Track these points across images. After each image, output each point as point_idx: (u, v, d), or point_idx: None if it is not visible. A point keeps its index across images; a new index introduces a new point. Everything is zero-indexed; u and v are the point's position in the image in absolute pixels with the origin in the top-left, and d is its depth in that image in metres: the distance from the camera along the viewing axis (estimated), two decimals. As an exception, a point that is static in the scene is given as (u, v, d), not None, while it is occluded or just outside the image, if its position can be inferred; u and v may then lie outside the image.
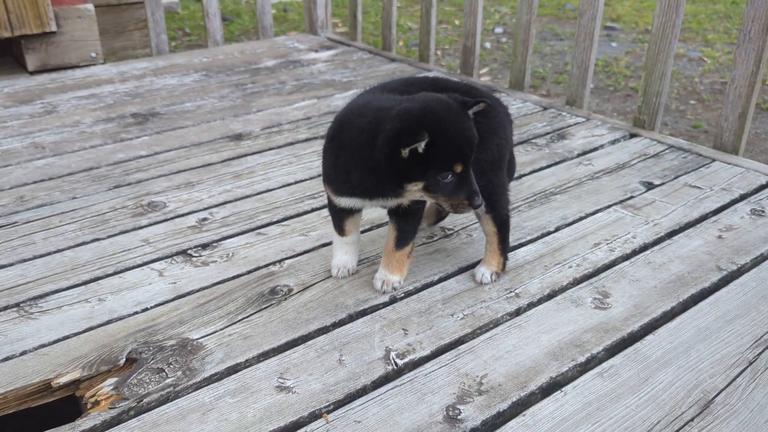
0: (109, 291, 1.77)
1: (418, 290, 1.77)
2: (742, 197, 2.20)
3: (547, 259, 1.89)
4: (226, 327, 1.63)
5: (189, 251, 1.94)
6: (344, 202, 1.65)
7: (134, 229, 2.06)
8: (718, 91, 4.97)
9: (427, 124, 1.41)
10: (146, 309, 1.70)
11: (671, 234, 2.01)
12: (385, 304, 1.72)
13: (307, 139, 2.68)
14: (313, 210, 2.16)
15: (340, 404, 1.41)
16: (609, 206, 2.16)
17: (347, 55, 3.73)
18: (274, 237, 2.01)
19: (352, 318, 1.67)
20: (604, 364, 1.51)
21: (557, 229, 2.04)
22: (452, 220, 2.08)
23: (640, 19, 6.84)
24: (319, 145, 2.37)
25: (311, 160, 2.48)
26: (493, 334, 1.61)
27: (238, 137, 2.69)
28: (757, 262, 1.87)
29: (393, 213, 1.67)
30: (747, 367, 1.49)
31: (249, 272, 1.85)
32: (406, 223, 1.68)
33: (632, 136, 2.68)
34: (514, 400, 1.42)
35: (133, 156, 2.53)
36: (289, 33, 6.44)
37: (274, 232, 2.04)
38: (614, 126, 2.76)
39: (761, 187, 2.26)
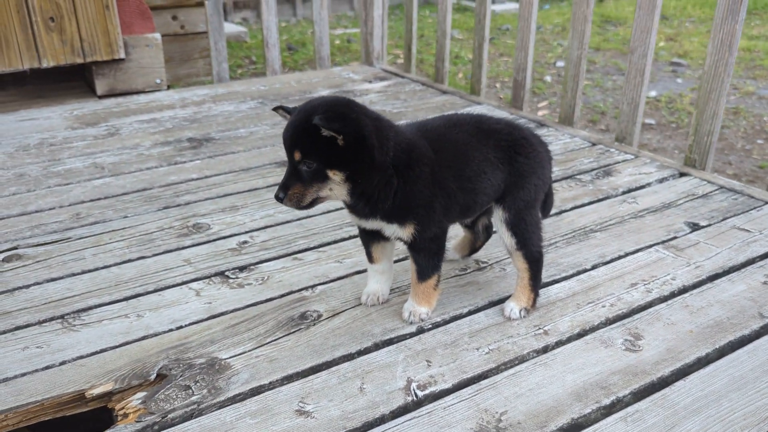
0: (147, 308, 1.84)
1: (446, 322, 1.77)
2: (794, 243, 2.12)
3: (580, 297, 1.86)
4: (255, 349, 1.67)
5: (227, 273, 2.00)
6: (353, 219, 1.71)
7: (177, 249, 2.14)
8: (789, 130, 4.80)
9: None
10: (180, 327, 1.76)
11: (713, 277, 1.95)
12: (411, 335, 1.73)
13: (352, 168, 2.73)
14: (350, 237, 2.20)
15: (356, 432, 1.43)
16: (650, 246, 2.11)
17: (400, 87, 3.79)
18: (310, 262, 2.05)
19: (377, 347, 1.68)
20: (629, 408, 1.47)
21: (594, 267, 2.01)
22: (486, 253, 2.07)
23: (705, 56, 6.67)
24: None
25: (354, 188, 2.53)
26: (517, 370, 1.59)
27: (284, 163, 2.76)
28: (803, 311, 1.79)
29: (407, 246, 1.69)
30: (782, 421, 1.42)
31: (282, 296, 1.89)
32: (419, 257, 1.69)
33: (682, 175, 2.62)
34: (532, 439, 1.40)
35: (184, 179, 2.63)
36: (351, 63, 6.58)
37: (310, 257, 2.08)
38: (663, 164, 2.70)
39: (815, 233, 2.17)
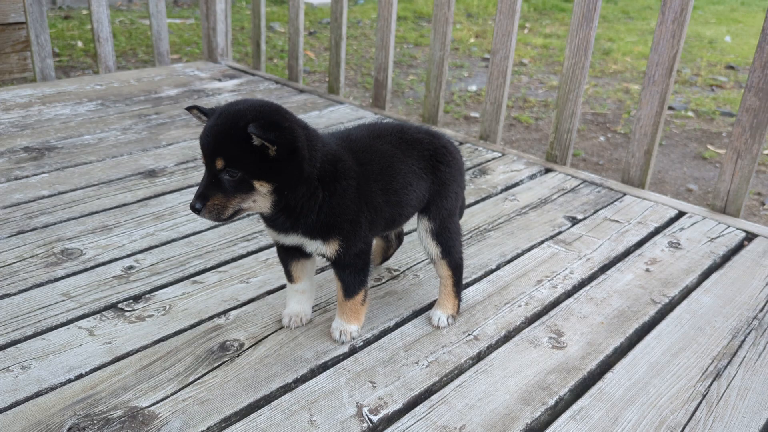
0: (32, 356, 1.56)
1: (376, 338, 1.72)
2: (657, 230, 2.35)
3: (496, 298, 1.91)
4: (179, 391, 1.49)
5: (119, 305, 1.77)
6: (271, 234, 1.59)
7: (50, 281, 1.84)
8: (590, 122, 5.31)
9: None
10: (81, 375, 1.52)
11: (604, 269, 2.10)
12: (345, 355, 1.65)
13: (226, 176, 2.54)
14: (249, 254, 2.05)
15: (319, 470, 1.33)
16: (542, 242, 2.22)
17: (253, 85, 3.61)
18: (212, 285, 1.88)
19: (314, 373, 1.58)
20: (574, 406, 1.53)
21: (498, 267, 2.07)
22: (397, 261, 2.05)
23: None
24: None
25: (236, 198, 2.36)
26: (462, 381, 1.58)
27: (151, 174, 2.51)
28: (684, 294, 1.99)
29: (332, 263, 1.61)
30: (702, 401, 1.56)
31: (192, 326, 1.71)
32: (344, 273, 1.62)
33: (547, 171, 2.80)
34: (496, 450, 1.40)
35: (33, 196, 2.28)
36: (170, 56, 6.15)
37: (211, 279, 1.91)
38: (529, 161, 2.86)
39: (671, 220, 2.43)
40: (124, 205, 2.27)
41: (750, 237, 2.35)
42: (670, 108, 5.72)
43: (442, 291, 1.78)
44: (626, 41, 7.94)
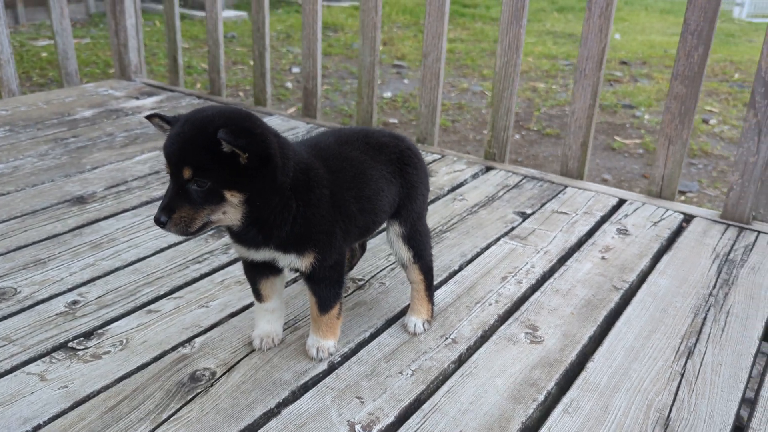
0: (-22, 411, 1.40)
1: (354, 351, 1.65)
2: (604, 219, 2.41)
3: (466, 298, 1.88)
4: (153, 430, 1.37)
5: (70, 344, 1.61)
6: (239, 251, 1.51)
7: (-15, 325, 1.66)
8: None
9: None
10: (39, 426, 1.37)
11: (562, 260, 2.12)
12: (325, 373, 1.57)
13: (162, 197, 2.40)
14: (203, 276, 1.93)
15: (322, 497, 1.25)
16: (498, 239, 2.22)
17: (175, 101, 3.45)
18: (170, 313, 1.75)
19: (296, 395, 1.50)
20: (564, 399, 1.52)
21: (461, 267, 2.05)
22: (360, 270, 1.99)
23: (421, 58, 7.28)
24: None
25: (177, 219, 2.22)
26: (450, 386, 1.54)
27: (80, 200, 2.33)
28: (641, 278, 2.04)
29: (305, 278, 1.54)
30: (681, 380, 1.59)
31: (156, 359, 1.58)
32: (319, 288, 1.55)
33: (488, 169, 2.81)
34: (498, 453, 1.37)
35: (-51, 234, 2.06)
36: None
37: (167, 307, 1.78)
38: (470, 161, 2.87)
39: (614, 208, 2.50)
40: (56, 236, 2.09)
41: (688, 219, 2.44)
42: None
43: (414, 296, 1.74)
44: (526, 42, 8.21)
